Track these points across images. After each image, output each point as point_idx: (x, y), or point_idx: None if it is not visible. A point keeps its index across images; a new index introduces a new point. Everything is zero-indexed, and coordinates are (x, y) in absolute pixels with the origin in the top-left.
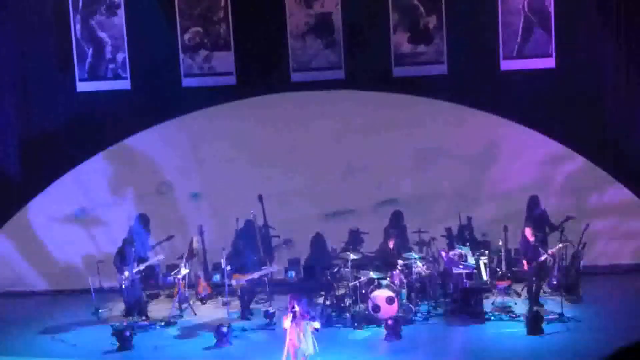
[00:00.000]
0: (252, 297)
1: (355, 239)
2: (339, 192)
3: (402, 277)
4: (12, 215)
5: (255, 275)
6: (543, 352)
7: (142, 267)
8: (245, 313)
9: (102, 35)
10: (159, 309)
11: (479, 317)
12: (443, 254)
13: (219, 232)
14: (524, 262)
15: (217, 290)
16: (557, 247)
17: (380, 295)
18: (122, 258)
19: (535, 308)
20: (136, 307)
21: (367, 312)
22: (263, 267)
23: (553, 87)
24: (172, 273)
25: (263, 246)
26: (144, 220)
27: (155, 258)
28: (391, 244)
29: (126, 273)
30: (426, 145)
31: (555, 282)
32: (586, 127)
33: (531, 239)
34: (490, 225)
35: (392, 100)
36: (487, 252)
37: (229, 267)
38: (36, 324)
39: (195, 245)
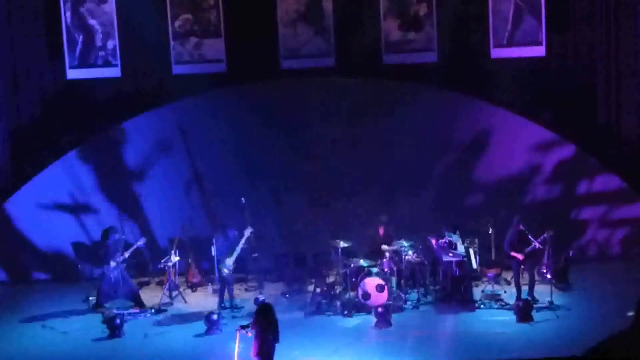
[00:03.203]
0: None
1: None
2: (329, 178)
3: (392, 264)
4: (1, 202)
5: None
6: (532, 340)
7: (127, 254)
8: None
9: (93, 22)
10: (149, 296)
11: (469, 304)
12: (433, 241)
13: (209, 219)
14: (512, 253)
15: (208, 277)
16: (543, 236)
17: (370, 283)
18: (105, 249)
19: (527, 297)
20: (129, 297)
21: (357, 300)
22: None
23: (543, 75)
24: (163, 261)
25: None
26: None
27: (138, 242)
28: (381, 232)
29: (112, 263)
30: (415, 133)
31: (544, 271)
32: (576, 115)
33: (520, 228)
34: (481, 212)
35: (382, 87)
36: (476, 240)
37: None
38: (26, 312)
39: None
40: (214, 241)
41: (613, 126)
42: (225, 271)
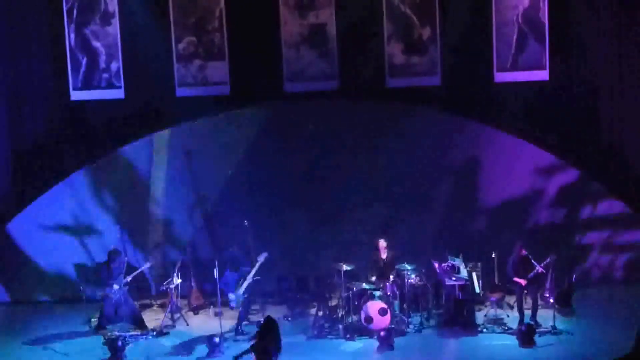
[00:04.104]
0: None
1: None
2: (333, 200)
3: (395, 288)
4: (4, 223)
5: (248, 281)
6: None
7: (129, 278)
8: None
9: (96, 44)
10: (151, 318)
11: (472, 329)
12: (436, 265)
13: (212, 242)
14: (515, 278)
15: (210, 300)
16: (547, 260)
17: (373, 306)
18: (108, 271)
19: (529, 322)
20: (131, 320)
21: (359, 324)
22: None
23: (546, 100)
24: (165, 283)
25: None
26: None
27: (144, 266)
28: (384, 255)
29: (115, 286)
30: (418, 156)
31: (547, 295)
32: (579, 140)
33: (523, 254)
34: (484, 236)
35: (385, 111)
36: (479, 264)
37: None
38: (28, 333)
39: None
40: (216, 264)
41: (617, 150)
42: (232, 301)
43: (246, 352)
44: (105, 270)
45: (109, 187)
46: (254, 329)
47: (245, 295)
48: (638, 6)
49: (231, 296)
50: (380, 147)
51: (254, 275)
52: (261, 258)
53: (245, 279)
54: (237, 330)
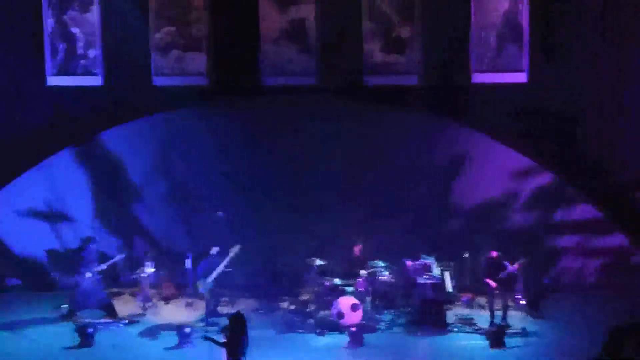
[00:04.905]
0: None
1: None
2: (307, 197)
3: (367, 285)
4: None
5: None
6: None
7: (102, 266)
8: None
9: (75, 30)
10: (122, 307)
11: (442, 328)
12: (408, 263)
13: (186, 232)
14: (486, 280)
15: (182, 290)
16: (519, 263)
17: (345, 302)
18: (80, 258)
19: (500, 323)
20: (102, 307)
21: (330, 319)
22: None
23: (524, 102)
24: (137, 271)
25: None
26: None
27: (117, 257)
28: (357, 252)
29: (87, 274)
30: (395, 155)
31: (518, 297)
32: (555, 143)
33: (494, 255)
34: (458, 236)
35: (362, 108)
36: (451, 263)
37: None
38: None
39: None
40: (189, 255)
41: (592, 155)
42: (200, 288)
43: (218, 343)
44: (77, 257)
45: (83, 174)
46: (223, 320)
47: (214, 285)
48: (617, 10)
49: (199, 284)
50: (357, 145)
51: (225, 266)
52: (233, 251)
53: (215, 269)
54: (207, 321)
